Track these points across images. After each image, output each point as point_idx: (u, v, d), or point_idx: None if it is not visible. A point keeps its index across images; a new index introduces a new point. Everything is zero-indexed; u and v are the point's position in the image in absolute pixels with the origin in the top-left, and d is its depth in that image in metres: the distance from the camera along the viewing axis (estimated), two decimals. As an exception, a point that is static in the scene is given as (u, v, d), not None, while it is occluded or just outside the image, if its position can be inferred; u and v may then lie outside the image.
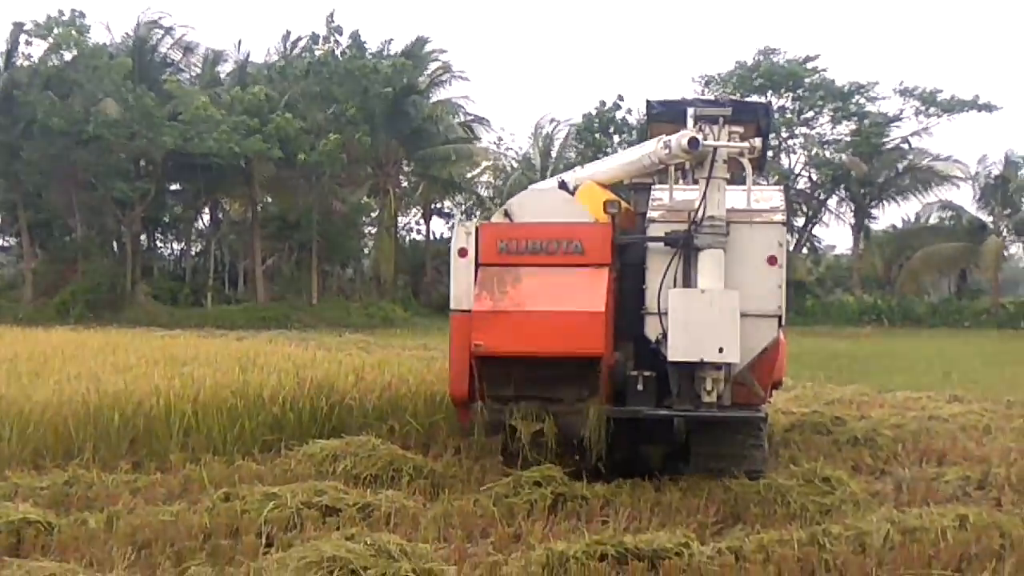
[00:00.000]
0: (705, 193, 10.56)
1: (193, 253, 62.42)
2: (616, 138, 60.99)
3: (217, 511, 9.41)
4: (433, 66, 60.27)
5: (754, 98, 62.10)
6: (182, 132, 49.07)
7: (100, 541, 8.73)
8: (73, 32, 51.60)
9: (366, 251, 64.56)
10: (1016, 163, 59.39)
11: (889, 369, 26.30)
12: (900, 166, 61.31)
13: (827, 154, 61.51)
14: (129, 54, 53.53)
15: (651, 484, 10.71)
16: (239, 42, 59.45)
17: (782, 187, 11.80)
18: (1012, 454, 12.97)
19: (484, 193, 63.82)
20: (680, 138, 10.48)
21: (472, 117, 62.18)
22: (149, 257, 59.85)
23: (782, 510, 9.97)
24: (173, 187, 58.88)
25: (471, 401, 10.81)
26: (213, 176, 53.17)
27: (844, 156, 60.36)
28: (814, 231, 64.75)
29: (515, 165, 64.81)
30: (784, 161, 62.20)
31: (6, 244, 63.12)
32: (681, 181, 11.75)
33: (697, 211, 10.59)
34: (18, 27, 52.99)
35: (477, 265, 10.79)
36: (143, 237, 58.27)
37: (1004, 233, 59.20)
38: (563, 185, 12.68)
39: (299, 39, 58.67)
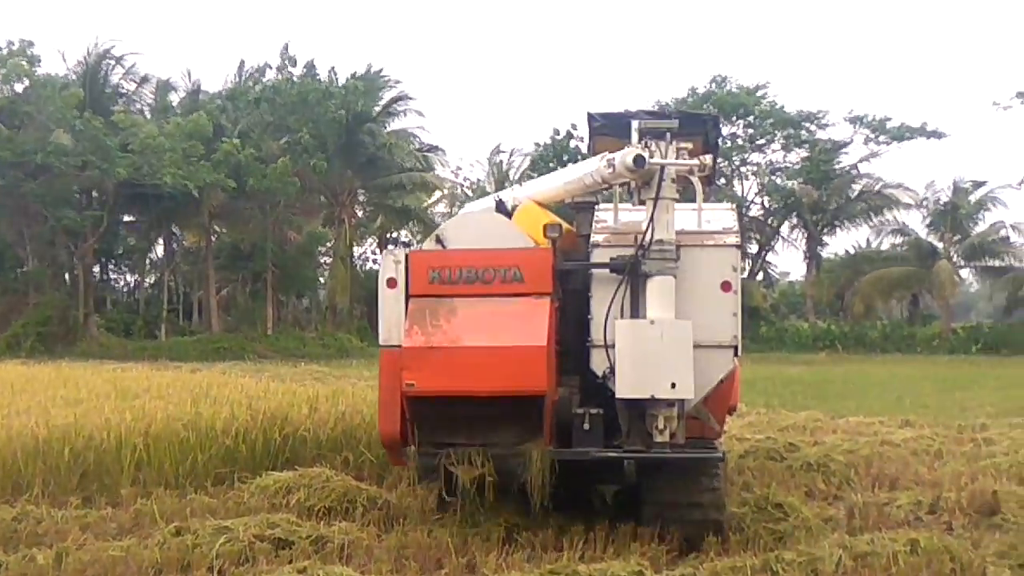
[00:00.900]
0: (652, 215, 9.74)
1: (147, 284, 62.00)
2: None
3: (168, 546, 9.33)
4: (388, 95, 60.41)
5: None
6: (133, 162, 48.82)
7: (48, 578, 8.62)
8: (23, 63, 51.26)
9: (322, 281, 64.39)
10: (964, 189, 60.19)
11: (842, 394, 26.49)
12: (851, 192, 62.02)
13: (779, 181, 62.18)
14: (81, 84, 53.24)
15: (605, 514, 10.68)
16: (188, 72, 59.27)
17: (734, 206, 11.10)
18: (963, 478, 13.07)
19: (440, 222, 63.90)
20: (624, 156, 9.68)
21: (427, 146, 62.31)
22: (102, 289, 59.38)
23: (736, 538, 10.00)
24: (126, 218, 58.51)
25: (403, 444, 9.97)
26: (166, 206, 52.92)
27: (795, 183, 60.99)
28: (767, 257, 65.36)
29: (470, 194, 64.96)
30: (737, 188, 62.74)
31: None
32: (631, 201, 11.18)
33: (644, 234, 9.78)
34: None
35: (407, 296, 9.94)
36: (96, 269, 57.78)
37: (954, 258, 59.89)
38: (500, 205, 12.09)
39: (254, 69, 58.67)
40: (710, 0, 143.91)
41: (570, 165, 11.07)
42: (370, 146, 56.72)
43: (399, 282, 10.00)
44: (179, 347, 49.05)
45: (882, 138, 61.59)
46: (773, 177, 62.14)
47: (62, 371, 24.34)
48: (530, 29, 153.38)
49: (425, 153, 61.81)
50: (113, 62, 56.46)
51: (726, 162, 60.21)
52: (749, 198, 63.23)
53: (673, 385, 9.57)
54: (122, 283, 64.66)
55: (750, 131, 62.50)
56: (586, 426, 9.86)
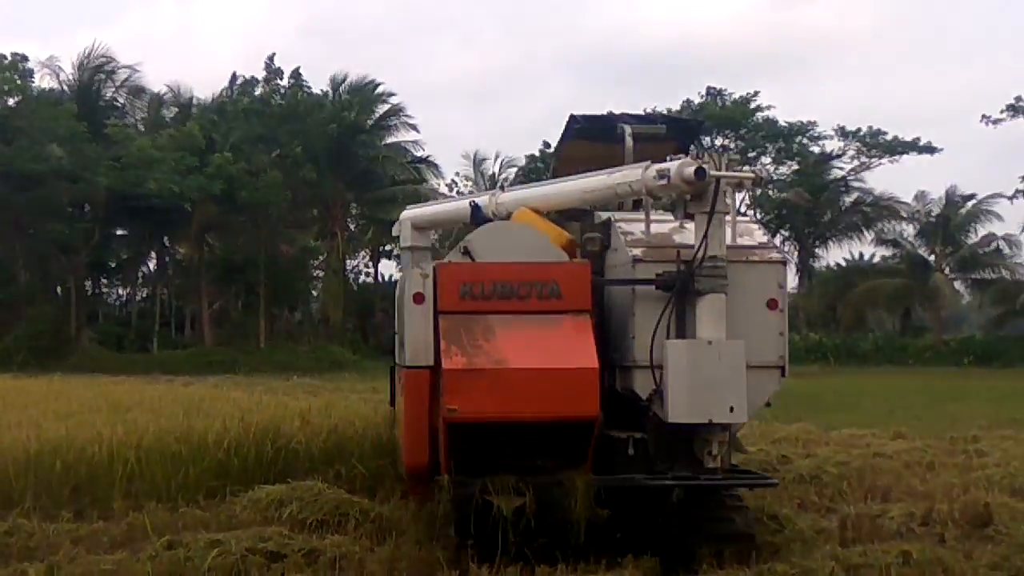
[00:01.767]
0: (708, 230, 9.13)
1: (139, 298, 61.95)
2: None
3: (160, 559, 9.30)
4: (382, 108, 60.48)
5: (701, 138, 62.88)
6: (122, 175, 48.82)
7: (40, 591, 8.60)
8: (16, 78, 51.30)
9: (314, 294, 64.35)
10: (956, 202, 60.35)
11: (834, 407, 26.50)
12: (843, 205, 62.17)
13: (771, 193, 62.29)
14: (74, 98, 53.27)
15: (600, 526, 10.63)
16: (178, 86, 59.30)
17: (756, 218, 10.85)
18: (955, 490, 13.07)
19: (433, 236, 63.85)
20: (683, 167, 9.08)
21: (419, 159, 62.35)
22: (94, 302, 59.35)
23: (730, 549, 9.98)
24: (119, 232, 58.50)
25: (432, 473, 9.23)
26: (158, 219, 52.94)
27: (787, 193, 61.09)
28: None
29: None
30: (728, 200, 62.75)
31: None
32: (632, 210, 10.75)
33: (698, 250, 9.13)
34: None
35: (436, 313, 9.15)
36: (88, 282, 57.74)
37: (946, 270, 60.02)
38: (476, 209, 11.78)
39: (243, 81, 58.75)
40: (706, 11, 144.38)
41: (587, 174, 10.55)
42: (362, 159, 56.80)
43: (427, 297, 9.24)
44: (171, 360, 48.98)
45: (874, 152, 61.76)
46: (765, 189, 62.21)
47: (54, 384, 24.30)
48: (521, 36, 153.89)
49: (417, 165, 61.85)
50: (105, 76, 56.48)
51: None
52: (741, 210, 63.33)
53: (732, 409, 9.13)
54: (114, 296, 64.80)
55: (741, 144, 62.66)
56: (630, 451, 9.31)
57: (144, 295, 62.64)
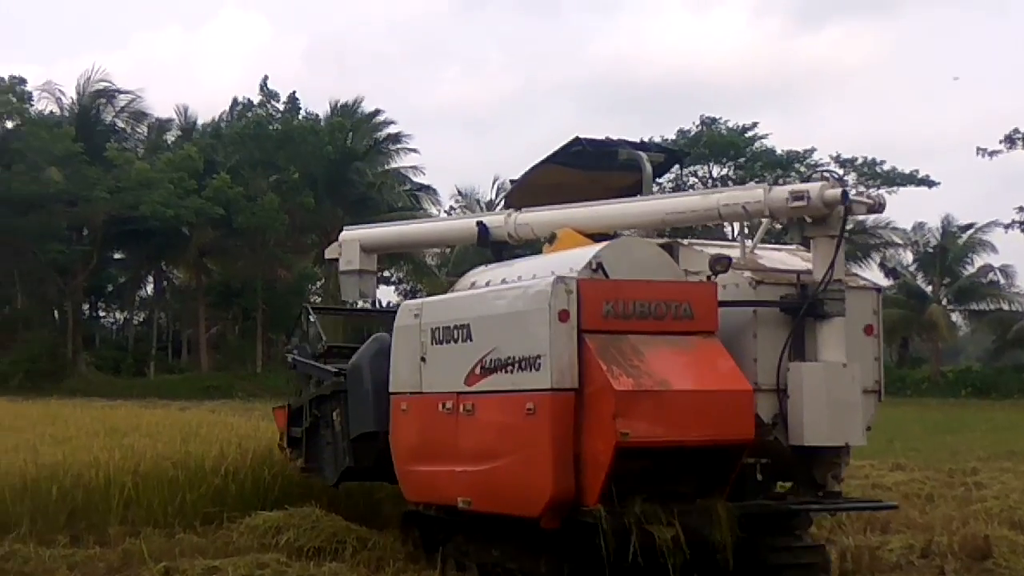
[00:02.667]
0: (836, 254, 9.15)
1: (136, 322, 61.93)
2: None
3: (157, 585, 9.29)
4: (381, 134, 60.64)
5: (697, 167, 62.96)
6: (119, 198, 48.92)
7: (36, 617, 8.57)
8: (14, 100, 51.48)
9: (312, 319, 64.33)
10: (952, 232, 60.44)
11: (833, 437, 26.41)
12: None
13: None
14: (73, 122, 53.42)
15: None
16: (185, 109, 59.64)
17: (799, 246, 10.52)
18: (954, 522, 13.02)
19: (430, 262, 63.93)
20: (826, 190, 9.07)
21: (417, 186, 62.46)
22: (91, 326, 59.38)
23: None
24: (117, 256, 58.55)
25: (577, 505, 8.54)
26: (156, 243, 53.01)
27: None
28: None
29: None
30: (728, 230, 62.86)
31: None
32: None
33: (826, 274, 9.13)
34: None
35: (580, 332, 8.65)
36: (85, 306, 57.75)
37: (944, 301, 60.06)
38: (483, 229, 11.63)
39: (241, 105, 58.93)
40: (707, 42, 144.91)
41: (673, 194, 10.39)
42: (359, 185, 56.91)
43: (571, 315, 8.63)
44: (168, 385, 48.96)
45: (871, 183, 61.88)
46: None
47: (51, 408, 24.28)
48: (523, 64, 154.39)
49: (416, 193, 61.95)
50: (105, 100, 56.67)
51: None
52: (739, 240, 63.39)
53: (868, 430, 9.31)
54: (111, 320, 64.66)
55: (740, 172, 62.77)
56: (759, 476, 9.07)
57: (141, 319, 62.65)
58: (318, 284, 62.21)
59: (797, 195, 9.17)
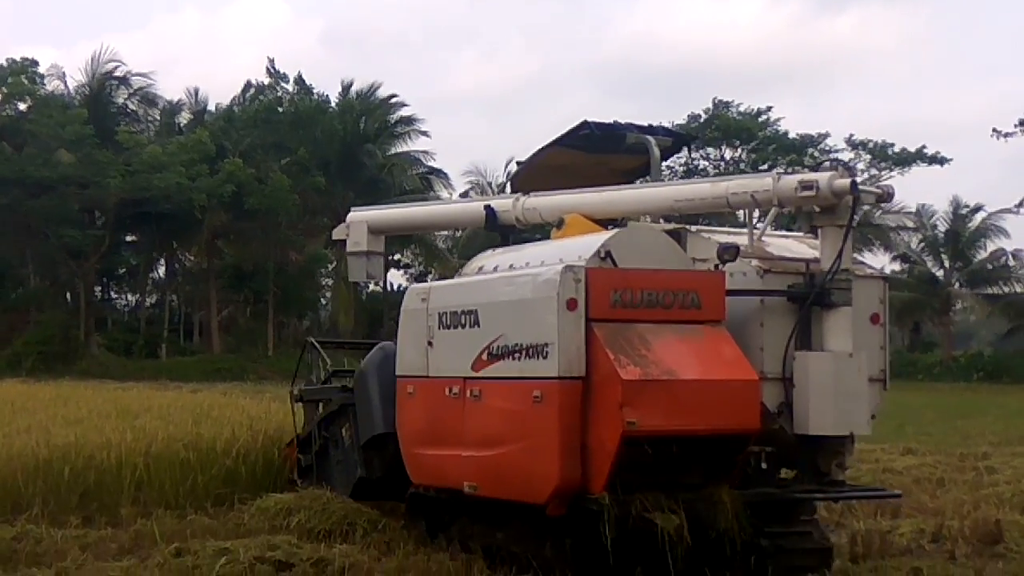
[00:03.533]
0: (844, 244, 9.20)
1: (148, 304, 62.05)
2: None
3: (168, 567, 9.32)
4: (393, 116, 60.58)
5: (709, 150, 62.79)
6: (131, 180, 48.99)
7: (48, 598, 8.61)
8: (26, 81, 51.52)
9: (323, 302, 64.38)
10: (963, 215, 60.17)
11: (843, 421, 26.37)
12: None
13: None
14: (84, 104, 53.46)
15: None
16: (195, 91, 59.75)
17: (805, 234, 10.58)
18: (966, 506, 13.01)
19: (441, 245, 63.95)
20: (835, 179, 9.10)
21: (428, 169, 62.41)
22: (103, 308, 59.50)
23: (740, 567, 9.93)
24: (128, 237, 58.64)
25: (583, 492, 8.59)
26: (168, 226, 53.09)
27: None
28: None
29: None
30: (740, 215, 62.70)
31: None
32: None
33: (833, 263, 9.15)
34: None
35: (588, 320, 8.64)
36: (97, 288, 57.87)
37: (956, 285, 59.89)
38: (491, 213, 11.59)
39: (253, 88, 58.87)
40: (710, 23, 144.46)
41: (681, 181, 10.44)
42: (371, 167, 56.89)
43: (580, 304, 8.62)
44: (180, 367, 49.09)
45: (883, 164, 61.60)
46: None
47: (63, 390, 24.35)
48: (533, 45, 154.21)
49: (427, 176, 61.90)
50: (117, 82, 56.66)
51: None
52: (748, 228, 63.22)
53: (872, 418, 9.37)
54: (123, 302, 64.77)
55: (753, 156, 62.54)
56: (763, 465, 9.10)
57: (153, 302, 62.76)
58: (330, 267, 62.23)
59: (806, 184, 9.16)
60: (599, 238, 9.44)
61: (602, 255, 9.06)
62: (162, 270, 61.93)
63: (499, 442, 9.11)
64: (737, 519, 8.57)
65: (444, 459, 9.77)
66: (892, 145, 61.61)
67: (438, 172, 63.07)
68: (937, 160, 61.63)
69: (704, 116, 62.20)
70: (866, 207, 9.95)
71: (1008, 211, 59.82)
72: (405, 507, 10.97)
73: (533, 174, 12.18)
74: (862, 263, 10.00)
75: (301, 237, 58.86)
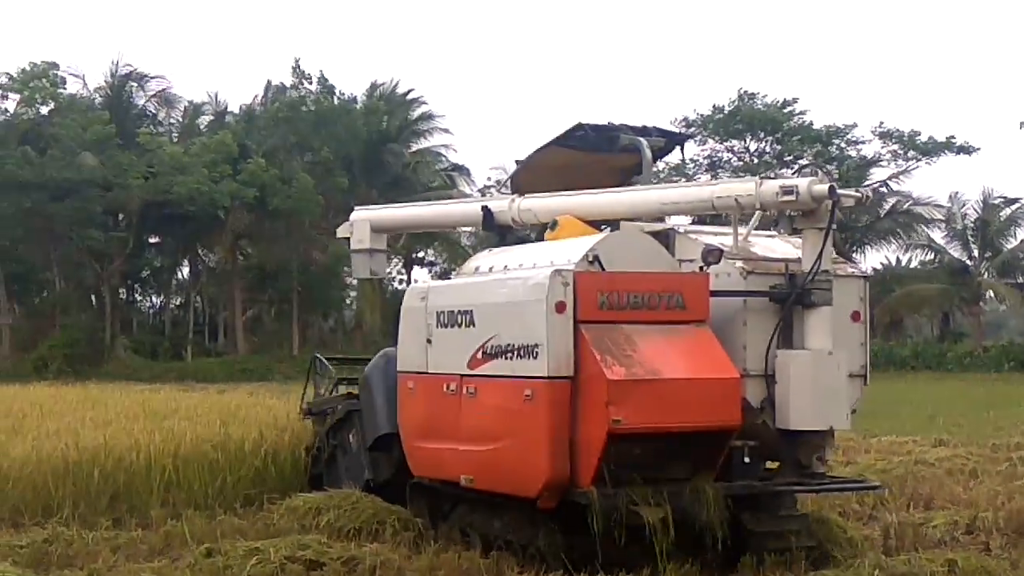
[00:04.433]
0: (824, 246, 9.62)
1: (173, 306, 62.27)
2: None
3: (199, 567, 9.35)
4: (414, 113, 60.60)
5: (733, 142, 62.49)
6: (154, 182, 49.17)
7: (80, 600, 8.62)
8: (47, 84, 51.74)
9: (347, 301, 64.46)
10: (994, 205, 59.71)
11: (874, 414, 26.03)
12: (881, 210, 61.47)
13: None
14: (105, 106, 53.67)
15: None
16: (216, 93, 59.95)
17: (781, 231, 11.12)
18: (999, 498, 12.92)
19: (466, 242, 63.94)
20: (813, 185, 9.54)
21: (452, 166, 62.41)
22: (128, 310, 59.70)
23: (772, 558, 9.88)
24: (152, 239, 58.86)
25: (572, 486, 9.08)
26: (191, 227, 53.26)
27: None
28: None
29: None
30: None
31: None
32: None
33: (814, 265, 9.60)
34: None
35: (576, 322, 9.13)
36: (122, 290, 58.09)
37: (985, 275, 59.45)
38: (488, 214, 12.01)
39: (275, 88, 58.91)
40: (733, 14, 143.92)
41: (667, 184, 10.93)
42: (394, 166, 56.94)
43: (568, 306, 9.11)
44: (205, 368, 49.21)
45: (911, 154, 61.08)
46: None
47: (90, 393, 24.35)
48: (552, 41, 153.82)
49: (450, 173, 61.91)
50: (136, 84, 56.84)
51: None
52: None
53: (852, 413, 9.87)
54: (148, 305, 64.98)
55: (778, 147, 62.17)
56: (746, 459, 9.47)
57: (178, 303, 62.96)
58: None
59: (787, 189, 9.61)
60: (588, 242, 9.89)
61: (590, 259, 9.48)
62: (186, 271, 62.13)
63: (493, 438, 9.60)
64: (719, 511, 9.06)
65: (442, 452, 10.29)
66: (919, 134, 61.07)
67: (461, 168, 63.04)
68: (966, 150, 61.09)
69: (728, 107, 61.78)
70: (889, 203, 10.19)
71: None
72: (407, 497, 11.24)
73: (531, 172, 12.75)
74: (844, 262, 10.45)
75: (325, 237, 58.87)
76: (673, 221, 11.41)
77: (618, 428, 8.73)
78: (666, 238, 10.27)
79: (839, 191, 9.62)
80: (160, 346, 54.87)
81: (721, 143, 62.74)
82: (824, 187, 9.50)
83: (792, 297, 9.62)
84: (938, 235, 61.57)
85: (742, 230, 10.11)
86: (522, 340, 9.30)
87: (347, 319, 64.31)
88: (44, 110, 53.00)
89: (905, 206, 61.58)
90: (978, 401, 31.28)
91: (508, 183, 13.52)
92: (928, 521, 11.71)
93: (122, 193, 50.02)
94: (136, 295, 63.27)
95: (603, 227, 11.15)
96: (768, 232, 10.92)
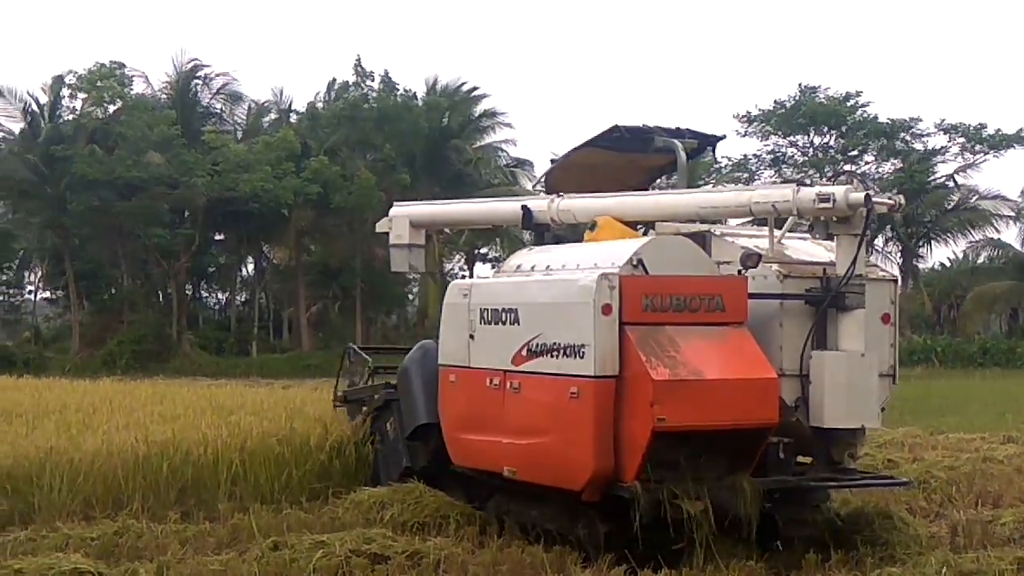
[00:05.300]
0: (858, 251, 10.00)
1: (238, 302, 62.88)
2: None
3: (266, 560, 9.44)
4: (476, 109, 60.68)
5: (796, 137, 61.90)
6: (219, 180, 49.69)
7: (150, 592, 8.75)
8: (115, 84, 52.46)
9: (410, 297, 64.73)
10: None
11: (941, 410, 25.89)
12: (947, 204, 60.62)
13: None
14: (171, 105, 54.31)
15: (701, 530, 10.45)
16: (280, 91, 60.39)
17: (815, 235, 11.41)
18: (1070, 495, 12.74)
19: (527, 238, 63.94)
20: (850, 193, 9.93)
21: (514, 161, 62.43)
22: (194, 307, 60.35)
23: (838, 555, 9.83)
24: (217, 236, 59.45)
25: (616, 481, 9.42)
26: (256, 224, 53.74)
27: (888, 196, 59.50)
28: (860, 271, 64.03)
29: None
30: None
31: (53, 296, 63.75)
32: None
33: (848, 269, 9.98)
34: (58, 80, 53.87)
35: (621, 324, 9.45)
36: (188, 287, 58.76)
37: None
38: (528, 213, 12.24)
39: (338, 86, 59.20)
40: (794, 7, 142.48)
41: (705, 188, 11.29)
42: (456, 162, 57.08)
43: (614, 309, 9.44)
44: (270, 364, 49.61)
45: (978, 147, 60.14)
46: (866, 189, 60.79)
47: (158, 387, 24.72)
48: (614, 35, 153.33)
49: (512, 168, 61.91)
50: (201, 82, 57.40)
51: (818, 174, 59.45)
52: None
53: (882, 411, 10.40)
54: (214, 301, 65.67)
55: (842, 142, 61.51)
56: (781, 455, 9.88)
57: (243, 299, 63.57)
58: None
59: (823, 197, 9.96)
60: (631, 245, 10.21)
61: (634, 263, 9.80)
62: (251, 268, 62.70)
63: (538, 432, 9.92)
64: (755, 505, 9.41)
65: (484, 444, 10.62)
66: (984, 127, 60.13)
67: (523, 163, 63.00)
68: (1034, 143, 59.99)
69: (790, 102, 61.20)
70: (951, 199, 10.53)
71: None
72: (445, 484, 11.52)
73: (566, 172, 13.15)
74: (876, 266, 10.84)
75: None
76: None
77: (662, 426, 9.06)
78: (703, 240, 10.63)
79: (873, 199, 9.96)
80: (225, 342, 55.43)
81: (784, 138, 62.17)
82: (860, 195, 9.88)
83: (827, 300, 10.02)
84: (1013, 231, 60.55)
85: (777, 233, 10.50)
86: (568, 340, 9.61)
87: (410, 315, 64.58)
88: (111, 109, 53.70)
89: (972, 200, 60.63)
90: (1048, 398, 30.75)
91: (543, 181, 13.87)
92: (996, 519, 11.56)
93: (188, 191, 50.56)
94: (202, 292, 63.96)
95: (639, 227, 11.53)
96: (802, 235, 11.26)
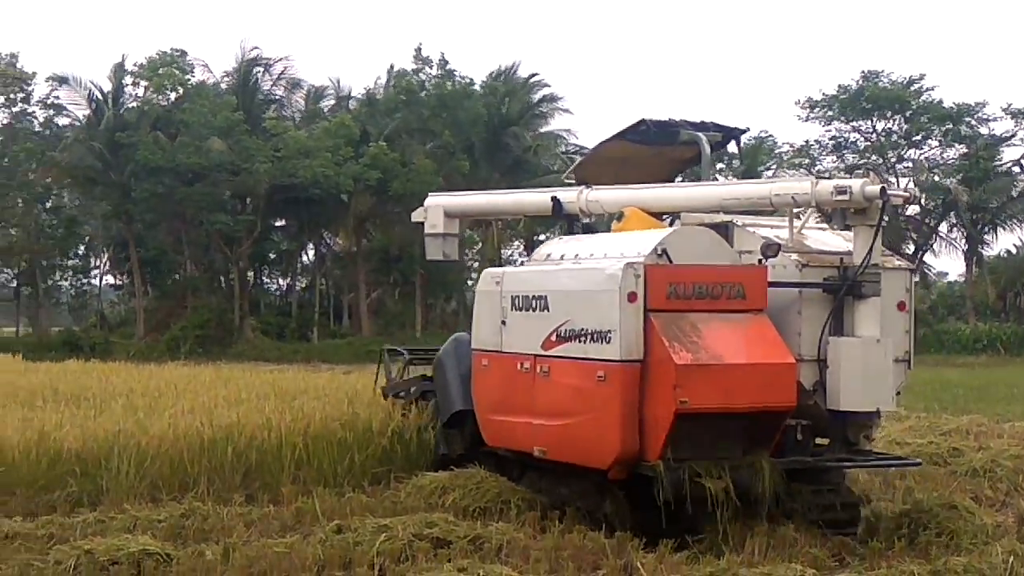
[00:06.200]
0: (874, 241, 10.39)
1: (299, 288, 63.34)
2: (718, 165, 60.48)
3: (330, 543, 9.53)
4: (536, 96, 60.59)
5: (860, 122, 61.12)
6: (280, 166, 50.02)
7: (217, 573, 8.92)
8: (177, 72, 52.97)
9: (469, 283, 64.85)
10: None
11: (1007, 398, 25.57)
12: (1014, 191, 59.58)
13: (936, 178, 59.97)
14: (232, 92, 54.73)
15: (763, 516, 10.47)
16: (338, 80, 60.55)
17: (832, 226, 11.54)
18: None
19: (586, 221, 63.79)
20: (866, 185, 10.27)
21: (574, 148, 62.29)
22: (256, 293, 60.84)
23: (900, 544, 9.76)
24: (278, 223, 59.89)
25: (641, 460, 9.85)
26: (316, 211, 54.05)
27: (952, 182, 58.74)
28: (925, 258, 63.22)
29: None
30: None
31: (118, 283, 64.64)
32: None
33: (865, 259, 10.39)
34: (120, 68, 54.50)
35: (646, 311, 9.88)
36: (250, 273, 59.26)
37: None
38: (557, 204, 12.63)
39: (396, 73, 59.34)
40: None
41: (728, 181, 11.61)
42: (515, 149, 57.04)
43: (639, 296, 9.86)
44: (331, 349, 49.94)
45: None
46: (930, 175, 59.92)
47: (221, 372, 25.00)
48: (674, 22, 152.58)
49: (572, 156, 61.78)
50: (262, 69, 57.75)
51: (881, 160, 58.73)
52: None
53: (897, 395, 10.70)
54: (275, 287, 66.20)
55: (906, 127, 60.60)
56: (798, 437, 10.21)
57: (304, 285, 64.00)
58: (475, 248, 62.62)
59: (841, 189, 10.36)
60: (656, 235, 10.63)
61: (659, 252, 10.20)
62: (311, 254, 63.10)
63: (567, 414, 10.41)
64: (774, 484, 9.77)
65: (516, 425, 11.13)
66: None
67: (583, 150, 62.87)
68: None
69: (854, 86, 60.41)
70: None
71: None
72: (479, 463, 11.88)
73: (595, 163, 13.66)
74: (891, 255, 11.17)
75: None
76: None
77: (685, 408, 9.48)
78: (725, 230, 11.02)
79: (888, 191, 10.31)
80: (287, 327, 55.86)
81: (847, 123, 61.41)
82: (876, 188, 10.21)
83: (844, 288, 10.39)
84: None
85: (797, 224, 10.85)
86: (596, 326, 10.05)
87: (468, 300, 64.69)
88: (173, 96, 54.24)
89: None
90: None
91: (572, 173, 14.26)
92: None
93: (249, 177, 50.96)
94: (263, 277, 64.50)
95: (663, 217, 12.07)
96: (820, 226, 11.53)
